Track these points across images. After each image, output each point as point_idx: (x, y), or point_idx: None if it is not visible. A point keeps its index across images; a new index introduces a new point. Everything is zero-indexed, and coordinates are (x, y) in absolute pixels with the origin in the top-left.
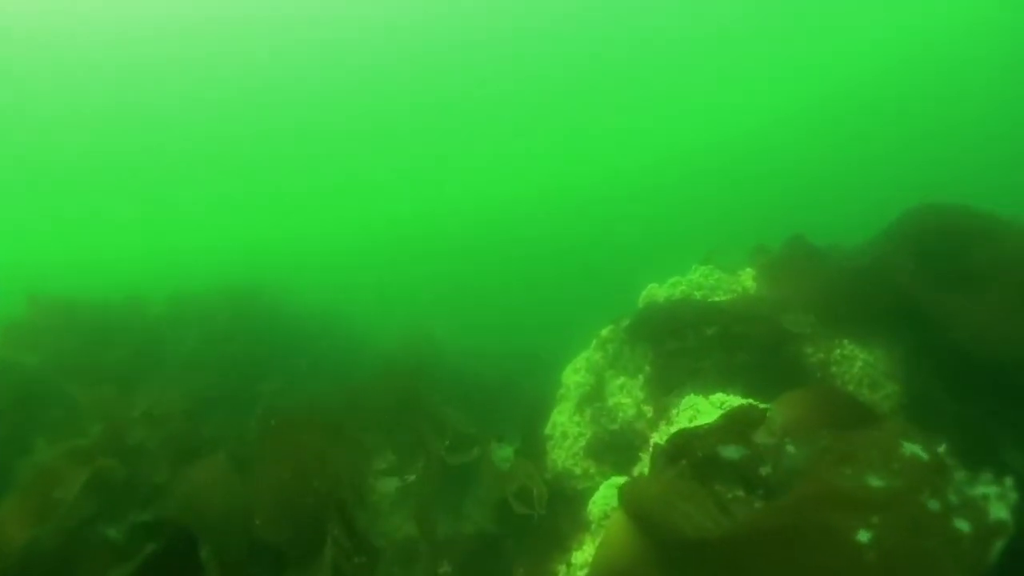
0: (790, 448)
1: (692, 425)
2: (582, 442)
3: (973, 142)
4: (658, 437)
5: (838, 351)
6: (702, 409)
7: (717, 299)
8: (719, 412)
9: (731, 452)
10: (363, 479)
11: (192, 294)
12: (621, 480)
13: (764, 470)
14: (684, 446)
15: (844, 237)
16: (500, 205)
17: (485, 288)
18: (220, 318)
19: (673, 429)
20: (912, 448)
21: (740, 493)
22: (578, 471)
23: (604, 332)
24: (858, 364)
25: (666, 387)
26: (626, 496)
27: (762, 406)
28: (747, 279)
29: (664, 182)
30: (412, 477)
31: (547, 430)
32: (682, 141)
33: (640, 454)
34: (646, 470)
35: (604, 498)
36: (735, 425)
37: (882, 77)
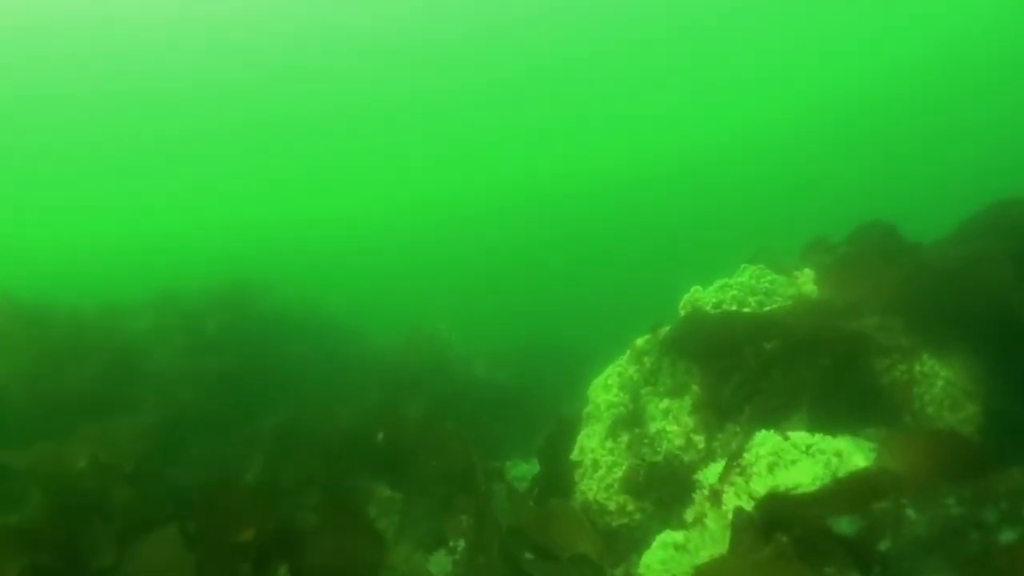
0: (911, 513)
1: (782, 484)
2: (617, 473)
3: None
4: (734, 495)
5: (918, 367)
6: (784, 454)
7: (775, 305)
8: (805, 456)
9: (845, 526)
10: None
11: (178, 296)
12: (677, 536)
13: (883, 545)
14: (781, 516)
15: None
16: (520, 191)
17: (502, 281)
18: (209, 323)
19: (754, 484)
20: None
21: None
22: (612, 506)
23: (639, 342)
24: (939, 383)
25: (720, 413)
26: None
27: (868, 454)
28: (806, 281)
29: (697, 170)
30: (460, 543)
31: (574, 455)
32: (716, 126)
33: (693, 495)
34: (707, 520)
35: (661, 562)
36: (850, 491)
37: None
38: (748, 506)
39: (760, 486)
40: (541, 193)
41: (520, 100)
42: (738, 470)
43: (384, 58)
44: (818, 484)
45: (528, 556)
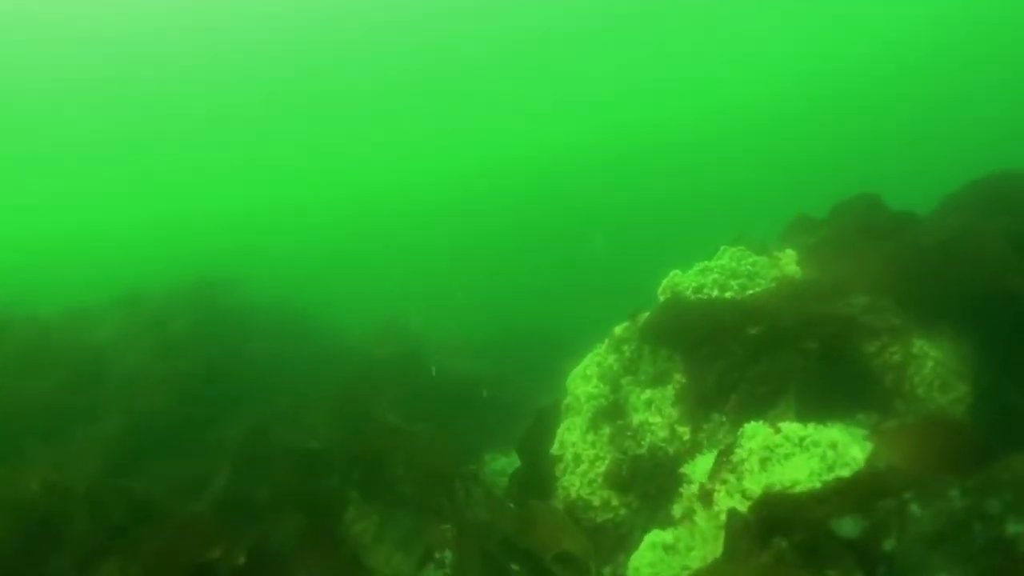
0: (915, 509)
1: (777, 482)
2: (600, 467)
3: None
4: (726, 494)
5: (908, 348)
6: (776, 448)
7: (757, 288)
8: (798, 450)
9: (848, 527)
10: None
11: (145, 296)
12: (666, 535)
13: (888, 544)
14: (779, 518)
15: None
16: (492, 175)
17: (472, 266)
18: (176, 325)
19: (746, 482)
20: None
21: None
22: (596, 501)
23: (618, 330)
24: (929, 364)
25: (705, 402)
26: None
27: (864, 444)
28: (789, 262)
29: (674, 149)
30: (447, 554)
31: (555, 449)
32: (693, 104)
33: (680, 489)
34: (697, 518)
35: (650, 564)
36: (852, 491)
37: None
38: (741, 506)
39: (753, 484)
40: (513, 176)
41: (492, 79)
42: (729, 467)
43: (361, 43)
44: (815, 480)
45: (514, 567)
